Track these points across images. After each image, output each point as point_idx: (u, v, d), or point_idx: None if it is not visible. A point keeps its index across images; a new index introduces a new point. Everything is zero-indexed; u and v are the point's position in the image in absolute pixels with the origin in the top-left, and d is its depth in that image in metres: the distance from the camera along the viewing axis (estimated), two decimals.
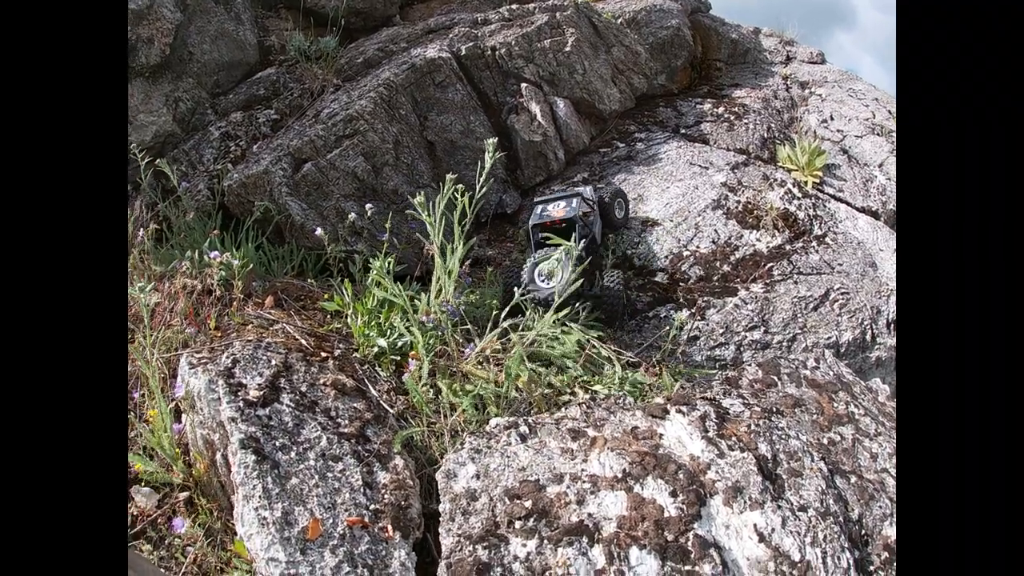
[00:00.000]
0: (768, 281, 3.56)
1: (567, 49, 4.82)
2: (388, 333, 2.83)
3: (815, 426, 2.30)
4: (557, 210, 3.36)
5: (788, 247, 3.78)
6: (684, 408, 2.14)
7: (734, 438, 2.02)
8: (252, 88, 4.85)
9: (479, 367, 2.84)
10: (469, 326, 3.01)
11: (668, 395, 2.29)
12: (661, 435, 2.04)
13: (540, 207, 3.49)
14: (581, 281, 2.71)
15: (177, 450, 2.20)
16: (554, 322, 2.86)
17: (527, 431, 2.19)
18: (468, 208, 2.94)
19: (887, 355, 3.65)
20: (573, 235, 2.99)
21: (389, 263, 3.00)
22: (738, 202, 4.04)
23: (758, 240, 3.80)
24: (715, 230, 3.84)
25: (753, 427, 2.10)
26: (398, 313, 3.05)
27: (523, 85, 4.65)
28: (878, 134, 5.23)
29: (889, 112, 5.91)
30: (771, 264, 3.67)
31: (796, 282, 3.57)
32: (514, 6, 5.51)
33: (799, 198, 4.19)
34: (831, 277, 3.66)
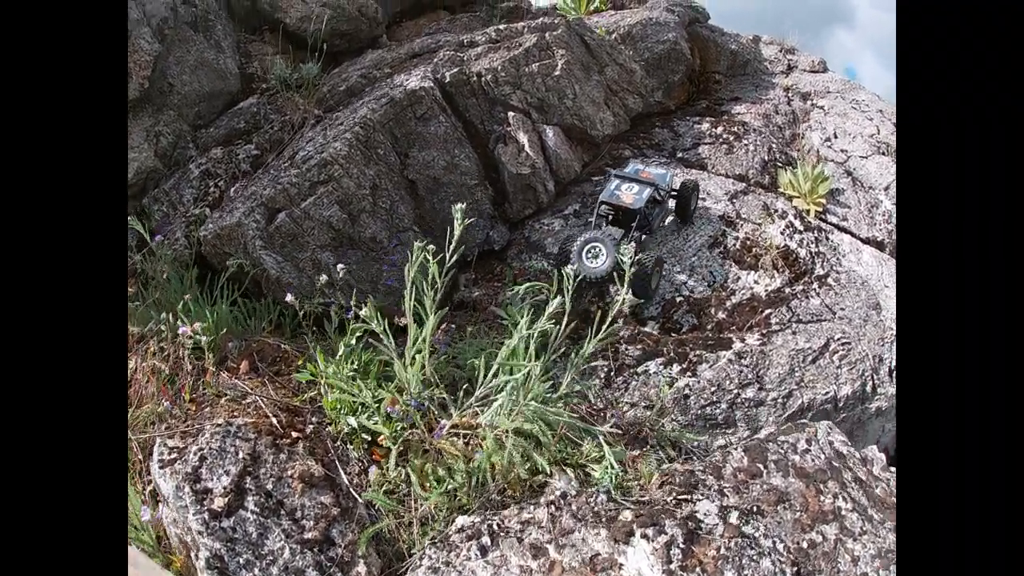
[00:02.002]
0: (765, 331, 3.31)
1: (556, 73, 4.53)
2: (358, 411, 2.64)
3: (797, 526, 2.07)
4: (628, 195, 3.43)
5: (788, 290, 3.52)
6: (650, 532, 1.92)
7: (698, 569, 1.81)
8: (233, 120, 4.63)
9: (453, 442, 2.65)
10: (445, 395, 2.82)
11: (637, 511, 2.07)
12: (621, 566, 1.83)
13: (616, 183, 3.56)
14: (616, 262, 2.97)
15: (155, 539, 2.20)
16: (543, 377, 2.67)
17: (489, 542, 2.00)
18: (439, 277, 2.76)
19: (887, 404, 3.40)
20: (632, 224, 3.29)
21: (358, 335, 2.80)
22: (736, 239, 3.77)
23: (756, 282, 3.54)
24: (711, 272, 3.58)
25: (724, 550, 1.87)
26: (373, 380, 2.86)
27: (510, 114, 4.38)
28: (883, 153, 4.91)
29: (894, 125, 5.57)
30: (769, 310, 3.41)
31: (795, 332, 3.31)
32: (502, 26, 5.22)
33: (801, 232, 3.91)
34: (832, 325, 3.40)
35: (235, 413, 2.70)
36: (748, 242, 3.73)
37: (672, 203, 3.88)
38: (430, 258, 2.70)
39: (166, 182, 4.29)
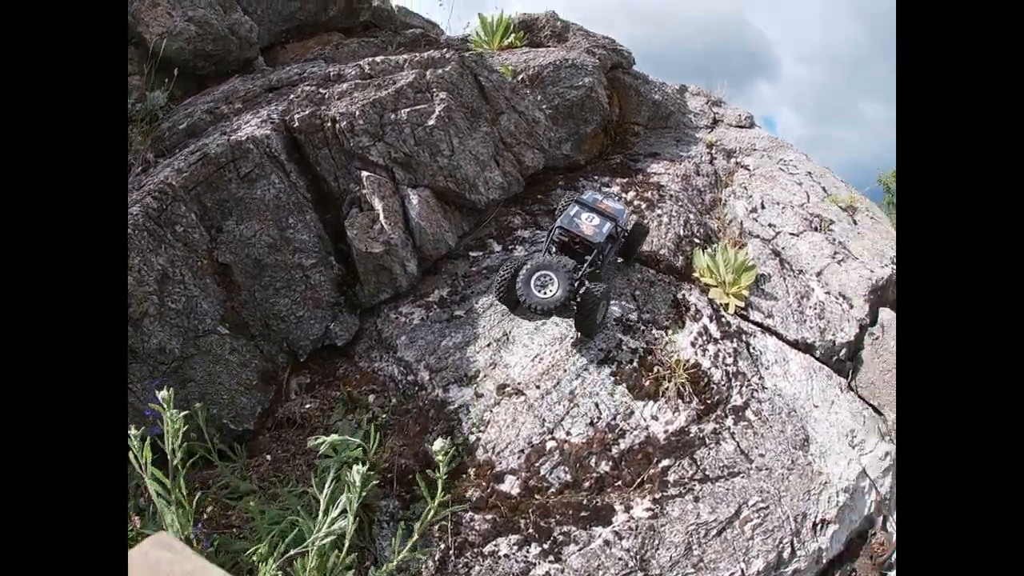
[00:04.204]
0: (659, 496, 2.38)
1: (430, 122, 3.55)
2: None
3: None
4: (589, 226, 3.10)
5: (694, 430, 2.61)
6: None
7: None
8: None
9: None
10: None
11: None
12: None
13: (576, 209, 3.19)
14: (568, 295, 2.74)
15: None
16: None
17: None
18: (207, 428, 1.77)
19: (806, 564, 2.54)
20: (587, 258, 2.99)
21: None
22: (634, 352, 2.85)
23: (654, 418, 2.62)
24: (596, 404, 2.64)
25: None
26: None
27: (364, 174, 3.38)
28: (816, 229, 4.15)
29: (824, 191, 4.85)
30: (667, 462, 2.49)
31: (698, 498, 2.39)
32: (379, 58, 4.24)
33: (717, 340, 3.03)
34: (747, 482, 2.50)
35: None
36: (649, 357, 2.82)
37: (622, 241, 3.41)
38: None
39: None
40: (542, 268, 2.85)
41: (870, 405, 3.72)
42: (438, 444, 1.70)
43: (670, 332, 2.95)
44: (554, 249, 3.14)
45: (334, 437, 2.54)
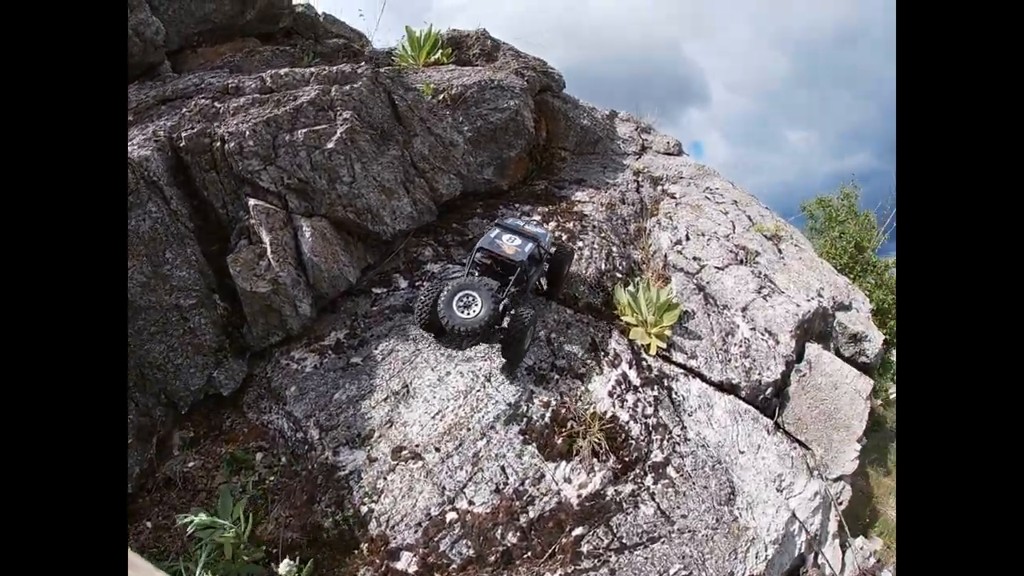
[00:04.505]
0: (572, 569, 2.11)
1: (329, 145, 3.21)
2: None
3: None
4: (510, 246, 2.98)
5: (611, 492, 2.36)
6: None
7: None
8: None
9: None
10: None
11: None
12: None
13: (496, 231, 3.07)
14: (492, 315, 2.59)
15: None
16: None
17: None
18: None
19: None
20: (510, 279, 2.86)
21: None
22: (546, 406, 2.58)
23: (567, 480, 2.35)
24: (503, 467, 2.35)
25: None
26: None
27: (252, 202, 3.00)
28: (742, 261, 4.05)
29: (750, 219, 4.81)
30: (581, 530, 2.22)
31: (614, 570, 2.14)
32: (283, 70, 3.86)
33: (636, 388, 2.81)
34: (668, 548, 2.26)
35: None
36: (563, 411, 2.56)
37: (546, 266, 3.25)
38: None
39: None
40: (464, 288, 2.69)
41: (798, 442, 3.61)
42: (283, 568, 1.37)
43: (586, 381, 2.70)
44: (476, 272, 2.96)
45: (202, 517, 2.16)
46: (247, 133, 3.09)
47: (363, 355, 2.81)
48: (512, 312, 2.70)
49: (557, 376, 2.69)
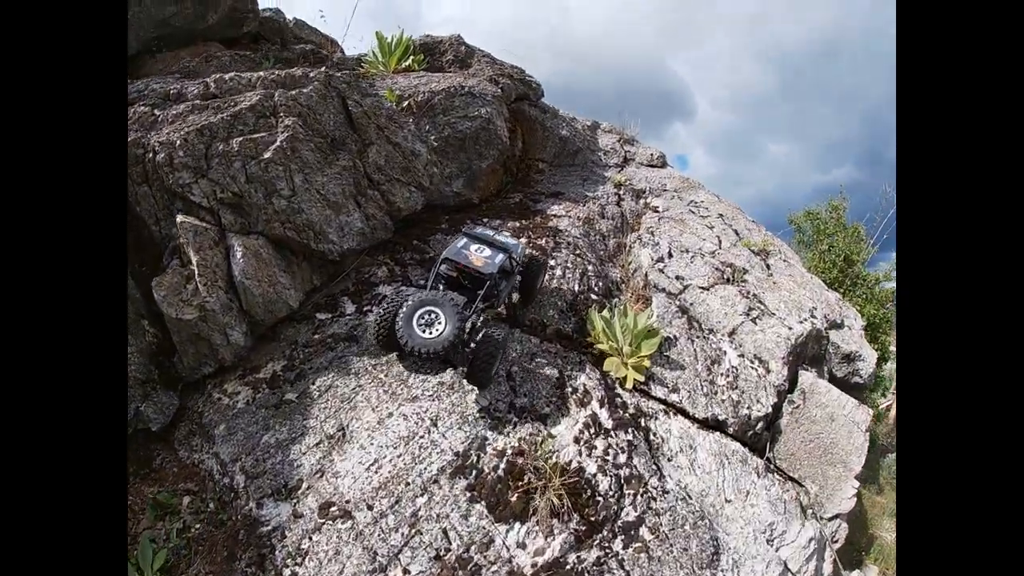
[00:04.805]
0: None
1: (267, 155, 2.87)
2: None
3: None
4: (479, 257, 2.71)
5: (572, 560, 2.01)
6: None
7: None
8: None
9: None
10: None
11: None
12: None
13: (465, 241, 2.78)
14: (457, 335, 2.28)
15: None
16: None
17: None
18: None
19: None
20: (479, 293, 2.57)
21: None
22: (500, 456, 2.23)
23: (520, 546, 2.00)
24: (445, 530, 2.00)
25: None
26: None
27: (180, 219, 2.66)
28: (729, 280, 3.73)
29: (736, 233, 4.51)
30: None
31: None
32: (228, 75, 3.53)
33: (608, 432, 2.47)
34: None
35: None
36: (520, 461, 2.21)
37: (518, 279, 2.98)
38: None
39: None
40: (426, 304, 2.36)
41: (790, 479, 3.28)
42: None
43: (550, 424, 2.36)
44: (441, 285, 2.67)
45: None
46: (178, 143, 2.76)
47: (299, 391, 2.47)
48: (481, 332, 2.40)
49: (516, 419, 2.34)
